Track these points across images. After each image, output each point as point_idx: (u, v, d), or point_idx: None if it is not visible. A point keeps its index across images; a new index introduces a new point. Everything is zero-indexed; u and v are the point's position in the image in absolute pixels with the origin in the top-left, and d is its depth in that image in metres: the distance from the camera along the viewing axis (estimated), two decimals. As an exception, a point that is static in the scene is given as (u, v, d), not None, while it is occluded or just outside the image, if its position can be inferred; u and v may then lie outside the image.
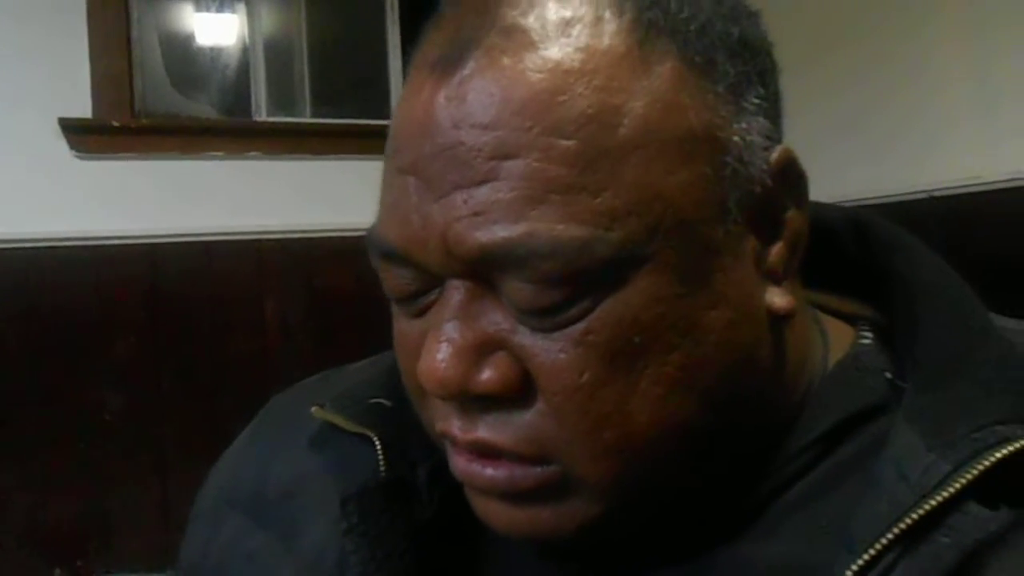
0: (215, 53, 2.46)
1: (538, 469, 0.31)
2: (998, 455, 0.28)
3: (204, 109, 2.33)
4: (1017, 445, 0.29)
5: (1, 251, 1.95)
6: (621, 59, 0.30)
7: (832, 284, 0.41)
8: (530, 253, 0.28)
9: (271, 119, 2.33)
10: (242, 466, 0.46)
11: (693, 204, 0.30)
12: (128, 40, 2.12)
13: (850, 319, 0.40)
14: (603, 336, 0.29)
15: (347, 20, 2.73)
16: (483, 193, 0.29)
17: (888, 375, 0.36)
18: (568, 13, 0.30)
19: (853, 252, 0.40)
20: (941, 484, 0.29)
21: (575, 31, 0.30)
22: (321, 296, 2.22)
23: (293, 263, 2.18)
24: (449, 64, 0.30)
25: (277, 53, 2.50)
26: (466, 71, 0.30)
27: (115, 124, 2.04)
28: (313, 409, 0.41)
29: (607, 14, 0.30)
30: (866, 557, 0.28)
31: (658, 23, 0.31)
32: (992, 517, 0.28)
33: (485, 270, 0.30)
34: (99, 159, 2.05)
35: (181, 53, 2.37)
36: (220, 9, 2.50)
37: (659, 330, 0.30)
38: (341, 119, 2.40)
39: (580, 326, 0.29)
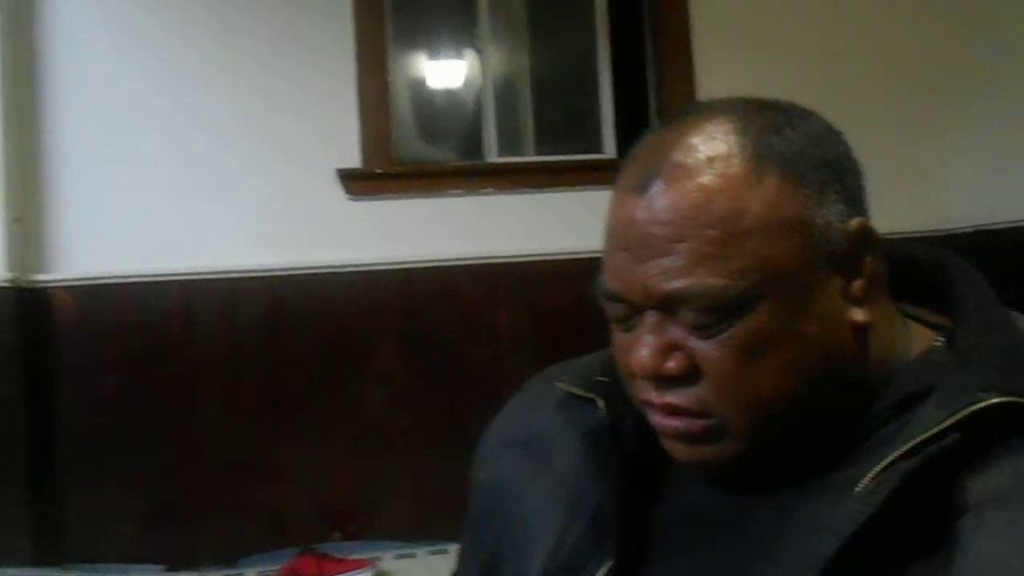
0: (452, 99, 2.82)
1: (703, 421, 0.52)
2: (972, 409, 0.48)
3: (445, 153, 2.72)
4: (984, 404, 0.47)
5: (295, 277, 2.43)
6: (743, 179, 0.51)
7: (925, 300, 0.60)
8: (694, 295, 0.50)
9: (500, 159, 2.67)
10: (512, 420, 0.72)
11: (793, 262, 0.51)
12: (387, 100, 2.55)
13: (933, 326, 0.59)
14: (740, 341, 0.51)
15: (564, 62, 2.98)
16: (665, 262, 0.51)
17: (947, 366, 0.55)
18: (711, 153, 0.52)
19: (936, 278, 0.60)
20: (936, 426, 0.48)
21: (715, 165, 0.51)
22: (544, 311, 2.50)
23: (521, 283, 2.48)
24: (642, 188, 0.53)
25: (504, 96, 2.82)
26: (652, 191, 0.53)
27: (379, 171, 2.48)
28: (558, 384, 0.66)
29: (735, 151, 0.52)
30: (883, 464, 0.48)
31: (766, 154, 0.52)
32: (953, 439, 0.47)
33: (668, 305, 0.52)
34: (366, 200, 2.50)
35: (425, 103, 2.77)
36: (454, 56, 2.86)
37: (774, 338, 0.51)
38: (560, 155, 2.69)
39: (726, 335, 0.51)
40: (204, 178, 2.46)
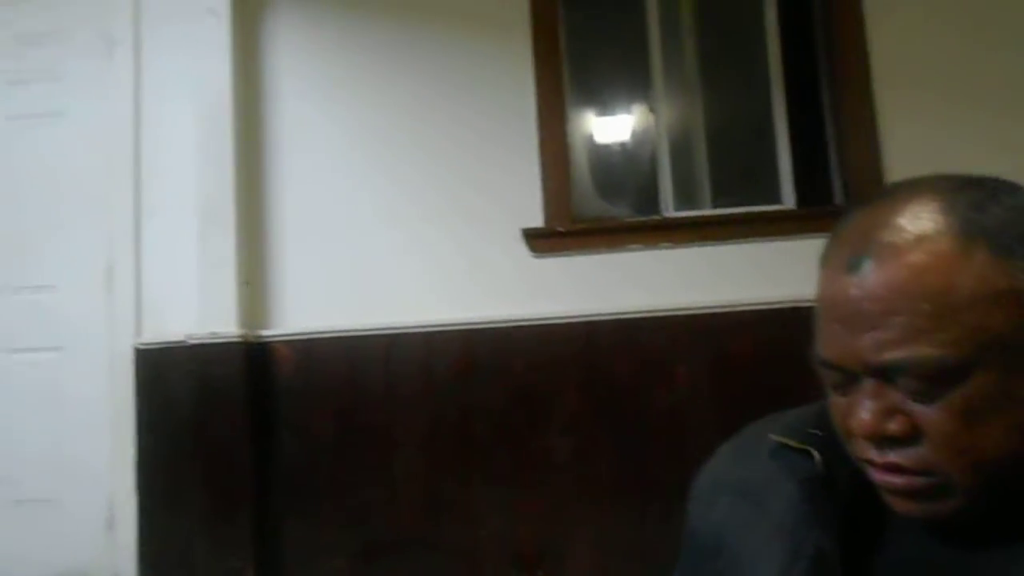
0: (627, 155, 2.92)
1: (925, 479, 0.56)
2: None
3: (622, 209, 2.82)
4: None
5: (484, 331, 2.59)
6: (952, 255, 0.55)
7: None
8: (910, 365, 0.54)
9: (677, 214, 2.73)
10: (726, 468, 0.77)
11: (1006, 330, 0.54)
12: (567, 161, 2.69)
13: None
14: (959, 406, 0.54)
15: (738, 113, 3.00)
16: (880, 334, 0.56)
17: None
18: (919, 232, 0.56)
19: None
20: None
21: (924, 243, 0.55)
22: (723, 361, 2.50)
23: (700, 334, 2.50)
24: (853, 267, 0.58)
25: (679, 149, 2.86)
26: (864, 270, 0.57)
27: (560, 230, 2.61)
28: (771, 435, 0.72)
29: (942, 229, 0.55)
30: None
31: (973, 230, 0.55)
32: None
33: (885, 373, 0.56)
34: (549, 257, 2.63)
35: (601, 160, 2.88)
36: (628, 112, 2.95)
37: (993, 402, 0.54)
38: (737, 208, 2.70)
39: (945, 401, 0.54)
40: (404, 242, 2.69)
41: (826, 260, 0.62)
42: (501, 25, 2.74)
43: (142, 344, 2.73)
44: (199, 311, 2.61)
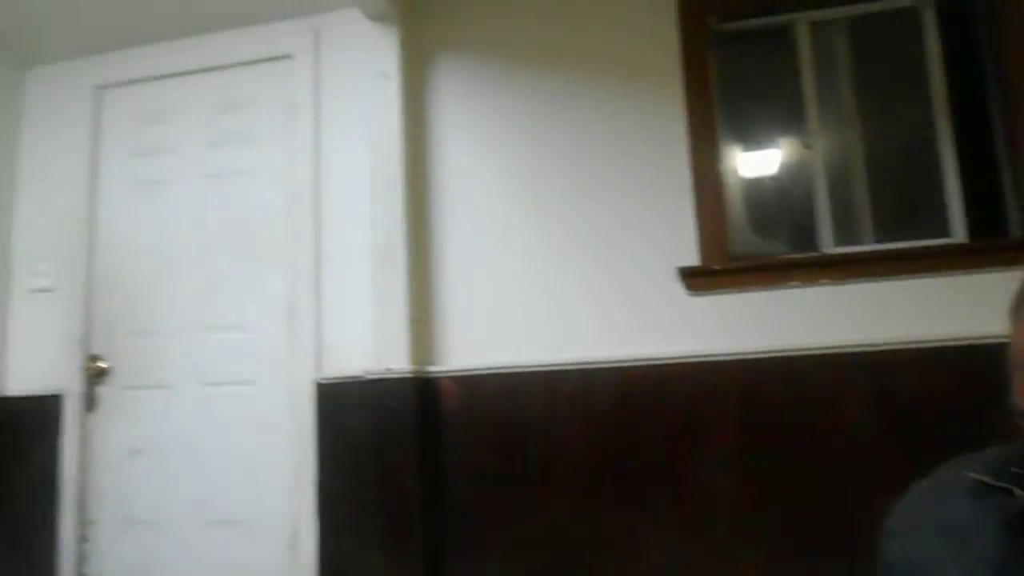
0: (782, 191, 2.87)
1: None
2: None
3: (778, 246, 2.79)
4: None
5: (641, 368, 2.65)
6: None
7: None
8: None
9: (837, 250, 2.68)
10: (922, 504, 0.80)
11: None
12: (721, 199, 2.72)
13: None
14: None
15: (900, 144, 2.91)
16: None
17: None
18: None
19: None
20: None
21: None
22: (889, 400, 2.42)
23: (864, 372, 2.45)
24: None
25: (837, 183, 2.81)
26: None
27: (716, 268, 2.64)
28: (969, 473, 0.74)
29: None
30: None
31: None
32: None
33: None
34: (704, 295, 2.66)
35: (755, 196, 2.86)
36: (782, 147, 2.91)
37: None
38: (902, 243, 2.62)
39: None
40: (562, 282, 2.81)
41: (1018, 312, 0.65)
42: (652, 68, 2.83)
43: (322, 379, 2.97)
44: (374, 348, 2.81)
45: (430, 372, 2.83)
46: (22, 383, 3.36)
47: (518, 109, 2.96)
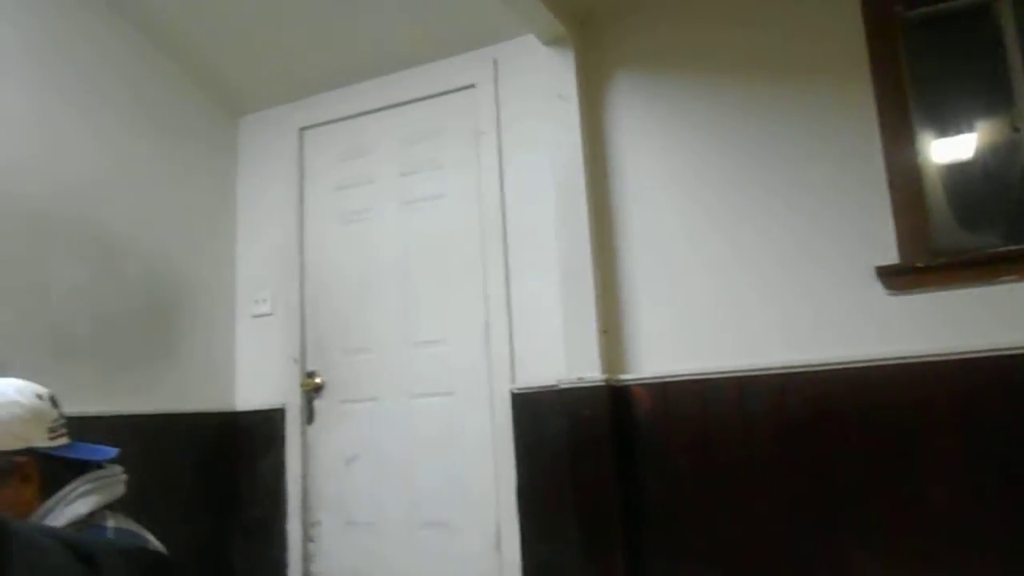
0: (989, 180, 2.69)
1: None
2: None
3: (988, 239, 2.63)
4: None
5: (839, 371, 2.59)
6: None
7: None
8: None
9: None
10: None
11: None
12: (920, 192, 2.62)
13: None
14: None
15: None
16: None
17: None
18: None
19: None
20: None
21: None
22: None
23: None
24: None
25: None
26: None
27: (919, 265, 2.54)
28: None
29: None
30: None
31: None
32: None
33: None
34: (906, 294, 2.57)
35: (958, 187, 2.70)
36: (987, 132, 2.73)
37: None
38: None
39: None
40: (752, 287, 2.80)
41: None
42: (836, 64, 2.78)
43: (517, 389, 3.13)
44: (565, 358, 2.93)
45: (622, 380, 2.91)
46: (249, 399, 3.76)
47: (698, 118, 2.99)
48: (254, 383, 3.77)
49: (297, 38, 3.51)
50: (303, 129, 3.86)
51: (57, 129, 3.09)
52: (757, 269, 2.81)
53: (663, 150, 3.04)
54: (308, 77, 3.75)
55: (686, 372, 2.83)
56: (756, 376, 2.71)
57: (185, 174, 3.71)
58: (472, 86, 3.44)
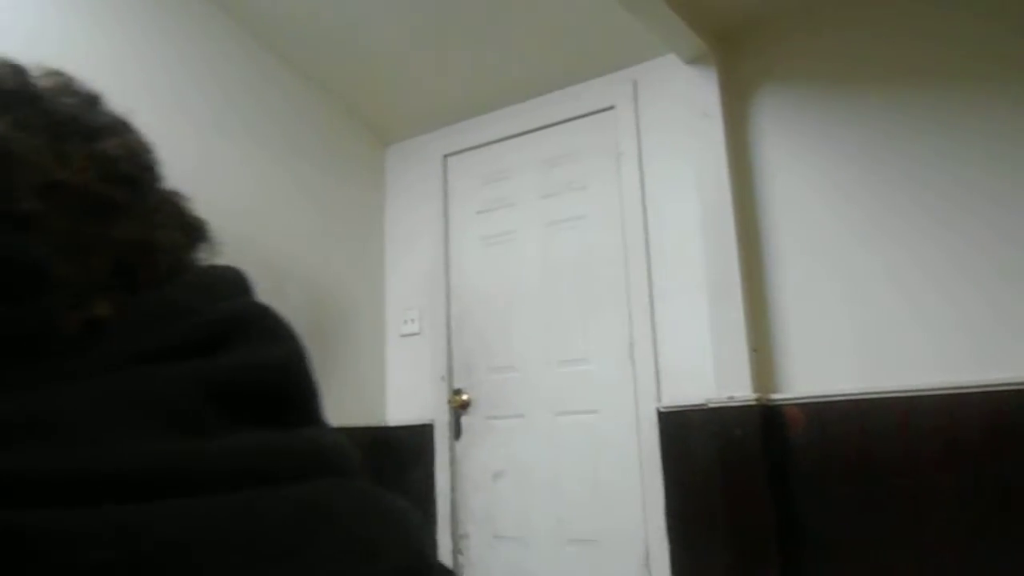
0: None
1: None
2: None
3: None
4: None
5: (1017, 392, 2.46)
6: None
7: None
8: None
9: None
10: None
11: None
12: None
13: None
14: None
15: None
16: None
17: None
18: None
19: None
20: None
21: None
22: None
23: None
24: None
25: None
26: None
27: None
28: None
29: None
30: None
31: None
32: None
33: None
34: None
35: None
36: None
37: None
38: None
39: None
40: (908, 306, 2.70)
41: None
42: (996, 66, 2.65)
43: (664, 407, 3.13)
44: (714, 377, 2.92)
45: (774, 399, 2.86)
46: (400, 414, 3.94)
47: (848, 131, 2.92)
48: (404, 400, 3.94)
49: (440, 70, 3.68)
50: (447, 156, 4.02)
51: (225, 162, 3.36)
52: (915, 289, 2.70)
53: (812, 165, 2.98)
54: (451, 106, 3.92)
55: (842, 392, 2.75)
56: (921, 397, 2.61)
57: (337, 202, 3.94)
58: (612, 107, 3.49)
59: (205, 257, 0.44)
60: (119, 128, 0.41)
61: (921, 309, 2.69)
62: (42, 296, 0.34)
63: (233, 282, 0.44)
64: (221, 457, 0.33)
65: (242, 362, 0.38)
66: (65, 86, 0.40)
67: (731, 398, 2.85)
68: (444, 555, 3.66)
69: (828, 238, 2.91)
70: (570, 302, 3.49)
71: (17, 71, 0.39)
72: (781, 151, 3.06)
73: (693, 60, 3.19)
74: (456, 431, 3.74)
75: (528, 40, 3.43)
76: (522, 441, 3.53)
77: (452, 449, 3.73)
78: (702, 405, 2.96)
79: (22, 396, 0.31)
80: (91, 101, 0.41)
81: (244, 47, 3.54)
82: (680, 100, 3.27)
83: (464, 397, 3.72)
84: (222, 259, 0.44)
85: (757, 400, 2.82)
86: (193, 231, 0.44)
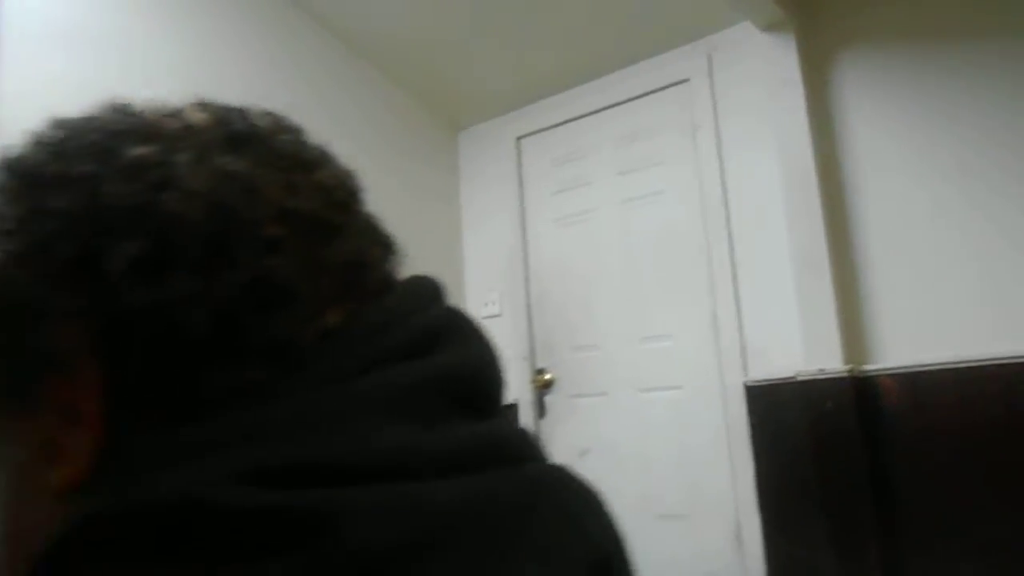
0: None
1: None
2: None
3: None
4: None
5: None
6: None
7: None
8: None
9: None
10: None
11: None
12: None
13: None
14: None
15: None
16: None
17: None
18: None
19: None
20: None
21: None
22: None
23: None
24: None
25: None
26: None
27: None
28: None
29: None
30: None
31: None
32: None
33: None
34: None
35: None
36: None
37: None
38: None
39: None
40: (1005, 271, 2.61)
41: None
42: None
43: (751, 381, 3.11)
44: (803, 349, 2.88)
45: (866, 371, 2.81)
46: (483, 394, 4.00)
47: (932, 97, 2.82)
48: (487, 380, 4.00)
49: (509, 53, 3.69)
50: (520, 138, 4.05)
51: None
52: (1011, 250, 2.61)
53: (895, 132, 2.90)
54: (522, 88, 3.93)
55: (938, 362, 2.68)
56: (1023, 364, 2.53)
57: (414, 189, 4.01)
58: (686, 80, 3.45)
59: (397, 268, 0.49)
60: (326, 158, 0.47)
61: (1018, 275, 2.60)
62: (289, 311, 0.39)
63: (432, 289, 0.48)
64: (462, 442, 0.38)
65: (454, 360, 0.42)
66: (278, 124, 0.46)
67: (821, 370, 2.81)
68: (533, 531, 3.72)
69: (915, 204, 2.83)
70: (650, 278, 3.49)
71: (243, 114, 0.44)
72: (864, 118, 2.97)
73: (769, 27, 3.12)
74: (540, 410, 3.79)
75: (597, 16, 3.41)
76: (606, 419, 3.55)
77: (537, 428, 3.78)
78: (791, 378, 2.93)
79: (288, 401, 0.36)
80: (300, 136, 0.46)
81: (324, 45, 3.62)
82: (757, 69, 3.21)
83: (547, 377, 3.77)
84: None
85: (849, 372, 2.77)
86: (388, 246, 0.49)
